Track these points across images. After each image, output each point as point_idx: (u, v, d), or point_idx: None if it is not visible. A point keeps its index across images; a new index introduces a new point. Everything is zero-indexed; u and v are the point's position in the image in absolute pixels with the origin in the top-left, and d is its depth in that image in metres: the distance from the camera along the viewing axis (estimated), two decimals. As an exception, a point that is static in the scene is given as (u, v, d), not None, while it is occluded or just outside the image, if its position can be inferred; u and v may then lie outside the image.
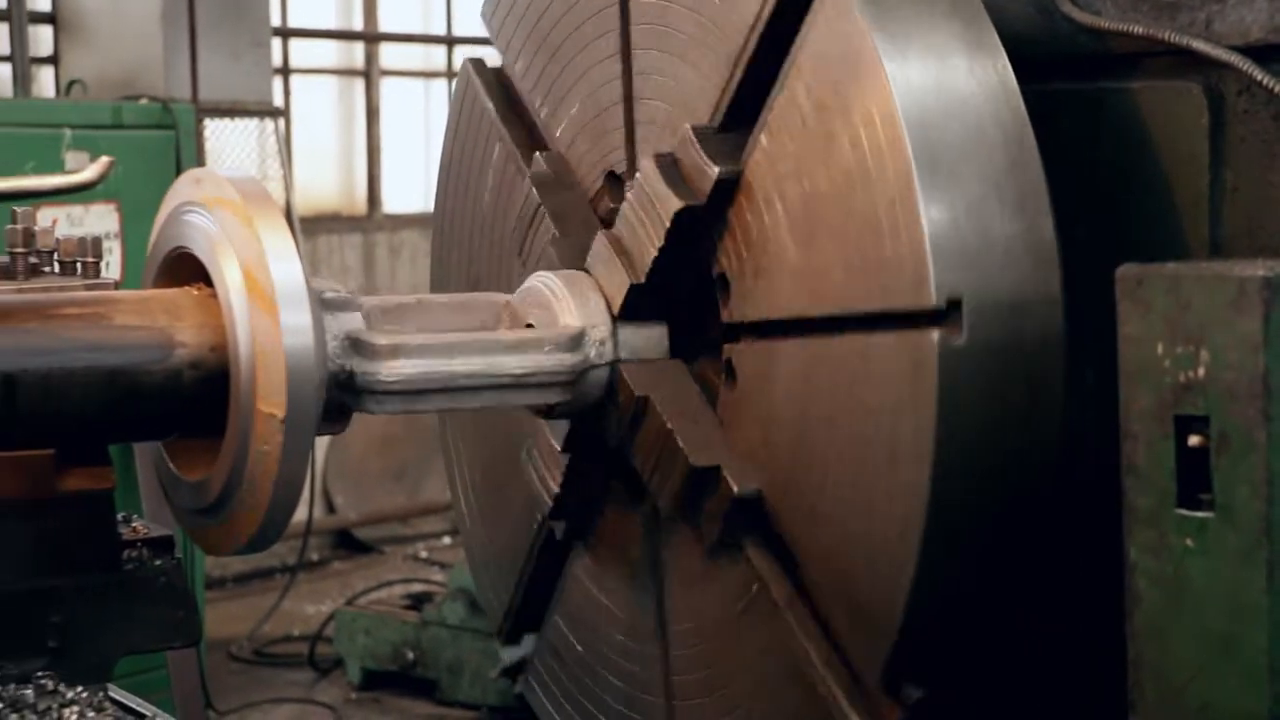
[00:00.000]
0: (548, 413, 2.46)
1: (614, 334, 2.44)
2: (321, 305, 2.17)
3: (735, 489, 2.24)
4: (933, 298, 2.08)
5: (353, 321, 2.22)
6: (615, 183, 2.58)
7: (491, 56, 3.00)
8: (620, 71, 2.64)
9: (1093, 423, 2.24)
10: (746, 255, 2.34)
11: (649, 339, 2.47)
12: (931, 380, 2.05)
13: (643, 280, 2.44)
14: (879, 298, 2.14)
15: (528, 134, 2.82)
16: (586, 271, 2.51)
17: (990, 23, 2.30)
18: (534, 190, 2.72)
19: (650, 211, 2.41)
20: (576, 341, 2.38)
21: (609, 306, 2.46)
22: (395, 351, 2.25)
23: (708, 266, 2.42)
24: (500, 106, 2.89)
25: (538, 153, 2.76)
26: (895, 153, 2.12)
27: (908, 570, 2.06)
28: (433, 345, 2.29)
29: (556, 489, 2.56)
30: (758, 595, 2.24)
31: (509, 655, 2.89)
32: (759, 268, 2.32)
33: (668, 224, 2.39)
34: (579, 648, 2.66)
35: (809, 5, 2.27)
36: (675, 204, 2.37)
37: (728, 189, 2.36)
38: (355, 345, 2.20)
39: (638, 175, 2.46)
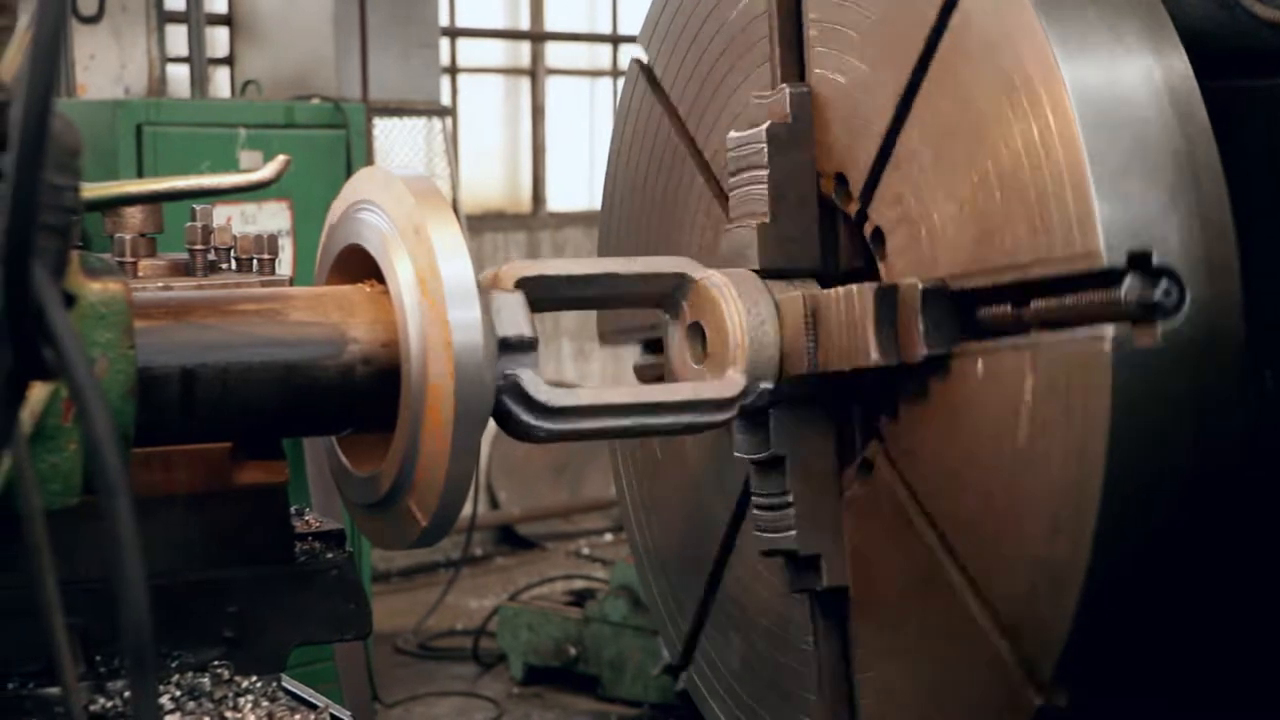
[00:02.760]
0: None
1: (766, 288, 2.43)
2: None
3: (919, 284, 2.22)
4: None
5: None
6: None
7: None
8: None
9: (1272, 424, 2.19)
10: (847, 139, 2.38)
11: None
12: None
13: (767, 219, 2.46)
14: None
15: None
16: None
17: (1168, 16, 2.25)
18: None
19: (748, 157, 2.47)
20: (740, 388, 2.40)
21: (759, 276, 2.45)
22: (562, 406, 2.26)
23: (825, 192, 2.44)
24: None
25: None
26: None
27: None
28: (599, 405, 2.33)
29: (791, 510, 2.51)
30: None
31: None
32: (856, 118, 2.36)
33: (765, 146, 2.44)
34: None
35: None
36: (762, 131, 2.45)
37: (803, 103, 2.45)
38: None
39: (727, 149, 2.51)
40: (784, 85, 2.45)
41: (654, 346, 2.99)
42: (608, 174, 3.03)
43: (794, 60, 2.50)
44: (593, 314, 3.21)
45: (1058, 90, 2.05)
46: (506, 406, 2.20)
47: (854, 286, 2.29)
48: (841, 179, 2.41)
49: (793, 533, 2.46)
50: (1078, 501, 2.04)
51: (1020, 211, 2.10)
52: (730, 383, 2.36)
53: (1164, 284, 2.01)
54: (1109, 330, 1.99)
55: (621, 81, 3.08)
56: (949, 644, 2.26)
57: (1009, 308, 2.15)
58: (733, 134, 2.50)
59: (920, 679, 2.33)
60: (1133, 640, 2.10)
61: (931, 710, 2.29)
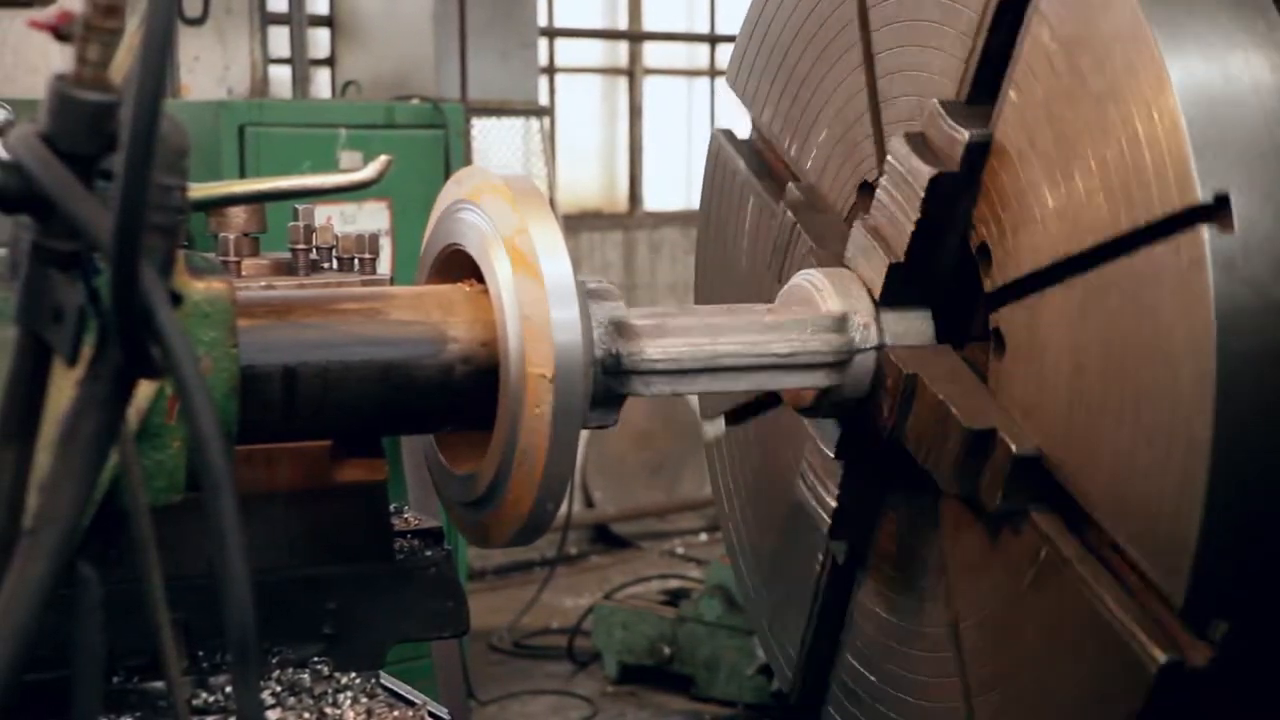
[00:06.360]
0: (814, 408, 2.43)
1: (878, 319, 2.41)
2: (587, 295, 2.19)
3: (1014, 448, 2.19)
4: (1199, 193, 2.01)
5: (616, 309, 2.24)
6: (868, 192, 2.55)
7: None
8: (865, 81, 2.62)
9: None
10: (1004, 216, 2.30)
11: (913, 325, 2.43)
12: (1206, 284, 1.98)
13: (902, 259, 2.40)
14: (1141, 211, 2.09)
15: (780, 188, 2.82)
16: (848, 267, 2.50)
17: (1276, 11, 2.21)
18: (788, 214, 2.71)
19: (904, 187, 2.38)
20: (840, 324, 2.37)
21: (871, 295, 2.43)
22: (659, 331, 2.26)
23: (967, 244, 2.38)
24: (752, 165, 2.91)
25: (789, 184, 2.76)
26: (1173, 143, 2.06)
27: (1198, 494, 1.99)
28: (696, 325, 2.32)
29: (833, 502, 2.53)
30: (1046, 560, 2.18)
31: None
32: (1017, 223, 2.28)
33: (923, 195, 2.35)
34: (873, 678, 2.61)
35: None
36: (929, 172, 2.34)
37: (980, 152, 2.32)
38: (620, 328, 2.23)
39: (889, 157, 2.43)
40: (966, 130, 2.33)
41: (736, 416, 3.01)
42: (699, 261, 3.04)
43: (986, 91, 2.37)
44: (689, 288, 3.23)
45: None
46: (611, 350, 2.24)
47: (953, 409, 2.27)
48: (986, 250, 2.36)
49: (829, 523, 2.54)
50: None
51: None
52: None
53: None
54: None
55: (720, 81, 3.08)
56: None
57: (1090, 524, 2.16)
58: (897, 145, 2.40)
59: (1034, 672, 2.33)
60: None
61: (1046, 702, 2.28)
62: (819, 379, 2.36)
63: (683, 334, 2.28)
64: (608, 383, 2.21)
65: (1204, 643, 2.02)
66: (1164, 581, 2.02)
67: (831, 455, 2.51)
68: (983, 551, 2.30)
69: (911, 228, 2.36)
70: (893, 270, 2.39)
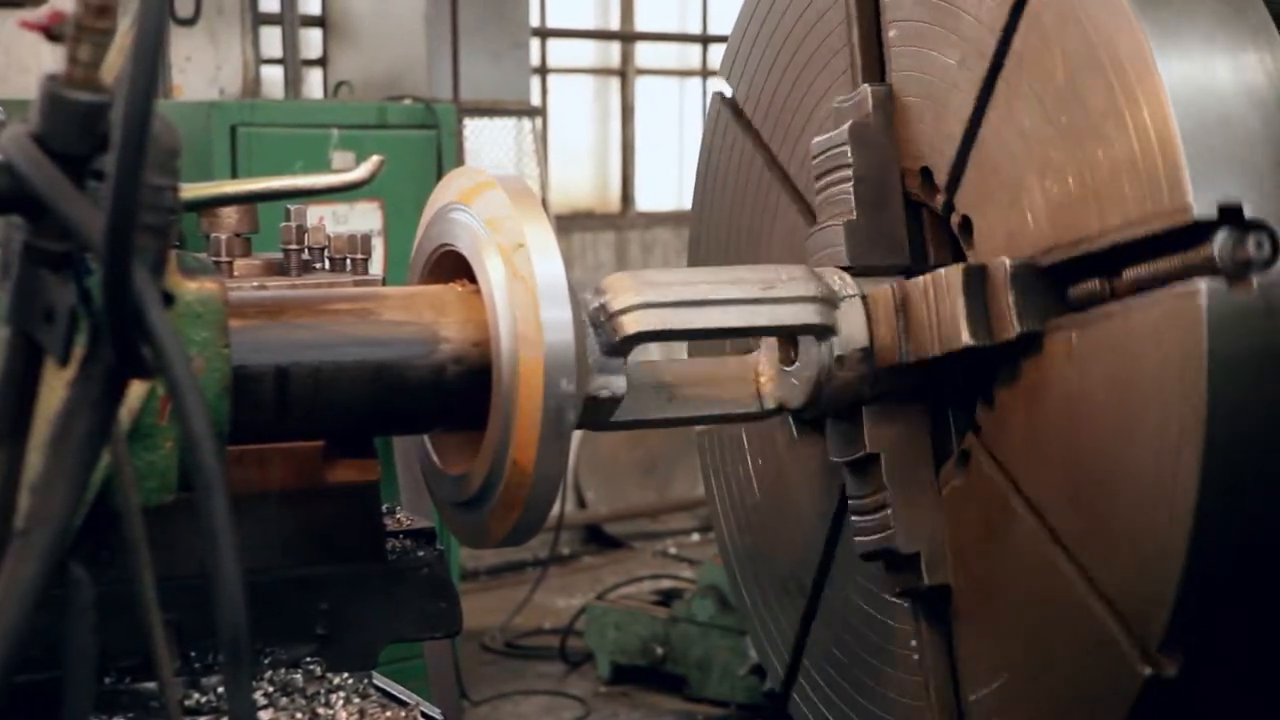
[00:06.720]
0: (816, 395, 2.40)
1: (855, 282, 2.43)
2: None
3: (1008, 263, 2.21)
4: None
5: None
6: None
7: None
8: (791, 198, 2.71)
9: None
10: (926, 125, 2.39)
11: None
12: None
13: (854, 216, 2.43)
14: None
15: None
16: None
17: (1265, 10, 2.21)
18: None
19: (832, 159, 2.46)
20: (815, 275, 2.39)
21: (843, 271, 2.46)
22: (639, 277, 2.29)
23: (915, 206, 2.43)
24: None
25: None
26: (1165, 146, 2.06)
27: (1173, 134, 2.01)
28: (674, 272, 2.35)
29: (889, 512, 2.45)
30: (1080, 337, 2.16)
31: None
32: (937, 113, 2.37)
33: (848, 147, 2.43)
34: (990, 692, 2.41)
35: None
36: (846, 127, 2.45)
37: (885, 99, 2.45)
38: (598, 287, 2.25)
39: (813, 157, 2.51)
40: (864, 85, 2.46)
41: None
42: (694, 209, 3.04)
43: (874, 62, 2.52)
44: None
45: (1143, 55, 2.03)
46: (595, 304, 2.26)
47: (941, 270, 2.27)
48: (927, 173, 2.40)
49: (891, 531, 2.43)
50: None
51: (1106, 180, 2.08)
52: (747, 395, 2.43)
53: (1256, 237, 1.97)
54: (1201, 284, 1.94)
55: (711, 81, 3.11)
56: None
57: (1100, 282, 2.12)
58: (817, 139, 2.50)
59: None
60: (1243, 605, 2.06)
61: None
62: (810, 314, 2.34)
63: (663, 275, 2.31)
64: (600, 338, 2.21)
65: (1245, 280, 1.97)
66: (1175, 208, 1.97)
67: (868, 450, 2.45)
68: (1030, 417, 2.24)
69: (850, 183, 2.42)
70: (849, 229, 2.42)
